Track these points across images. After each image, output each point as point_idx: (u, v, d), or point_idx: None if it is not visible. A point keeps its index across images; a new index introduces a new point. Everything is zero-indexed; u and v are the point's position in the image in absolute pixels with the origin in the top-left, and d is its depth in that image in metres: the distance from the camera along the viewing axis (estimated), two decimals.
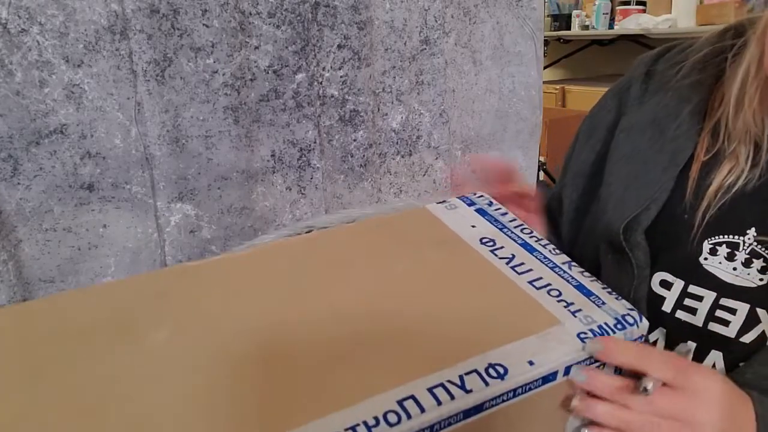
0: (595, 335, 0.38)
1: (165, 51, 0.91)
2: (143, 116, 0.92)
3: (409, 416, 0.31)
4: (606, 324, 0.40)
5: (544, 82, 1.41)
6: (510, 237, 0.50)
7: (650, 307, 0.54)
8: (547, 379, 0.36)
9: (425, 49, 1.17)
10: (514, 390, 0.35)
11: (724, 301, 0.50)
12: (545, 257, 0.47)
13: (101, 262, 0.94)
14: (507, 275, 0.44)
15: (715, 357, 0.51)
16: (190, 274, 0.44)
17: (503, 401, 0.35)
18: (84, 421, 0.31)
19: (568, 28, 3.30)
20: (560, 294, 0.42)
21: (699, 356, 0.51)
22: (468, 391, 0.33)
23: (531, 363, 0.35)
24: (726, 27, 0.56)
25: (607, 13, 3.06)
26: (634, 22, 2.78)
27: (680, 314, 0.52)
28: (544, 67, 1.57)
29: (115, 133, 0.90)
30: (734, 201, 0.50)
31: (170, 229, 0.98)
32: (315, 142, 1.07)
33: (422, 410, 0.32)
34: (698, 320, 0.51)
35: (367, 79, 1.11)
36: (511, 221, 0.53)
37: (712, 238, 0.51)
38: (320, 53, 1.06)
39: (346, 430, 0.30)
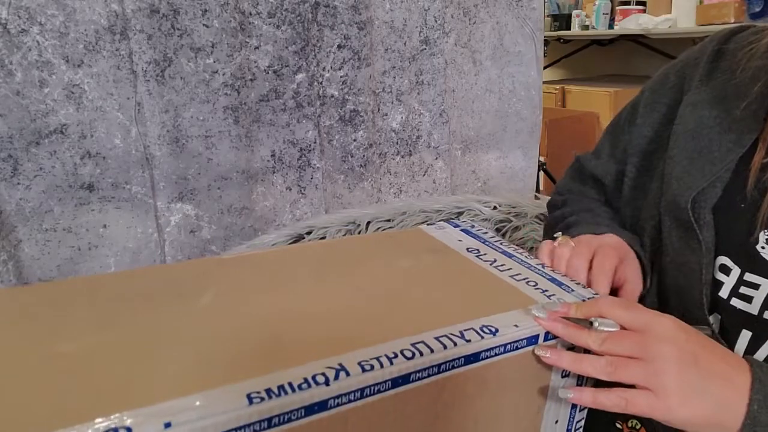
0: None
1: (165, 51, 0.91)
2: (143, 116, 0.92)
3: (421, 354, 0.39)
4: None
5: (544, 82, 1.41)
6: (492, 247, 0.60)
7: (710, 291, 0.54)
8: (530, 340, 0.44)
9: (425, 49, 1.17)
10: (504, 345, 0.43)
11: None
12: (523, 260, 0.56)
13: (101, 262, 0.94)
14: (491, 272, 0.53)
15: (746, 336, 0.50)
16: (226, 263, 0.55)
17: (495, 355, 0.43)
18: (137, 356, 0.38)
19: (568, 28, 3.30)
20: (537, 284, 0.51)
21: (754, 345, 0.51)
22: (467, 341, 0.41)
23: (516, 326, 0.44)
24: None
25: (607, 13, 3.06)
26: (634, 22, 2.78)
27: (735, 302, 0.52)
28: (544, 67, 1.57)
29: (115, 133, 0.90)
30: None
31: (170, 229, 0.98)
32: (315, 142, 1.07)
33: (431, 351, 0.39)
34: (754, 308, 0.50)
35: (367, 79, 1.11)
36: (491, 237, 0.63)
37: None
38: (320, 53, 1.06)
39: (371, 359, 0.38)
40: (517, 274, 0.52)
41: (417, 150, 1.22)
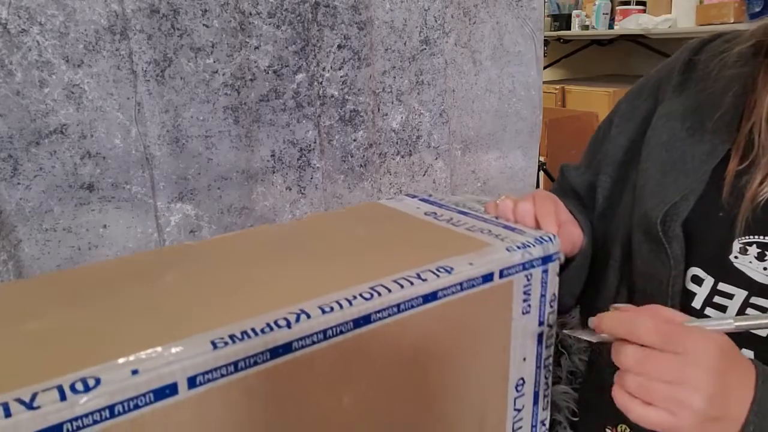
0: (518, 248, 0.49)
1: (165, 51, 0.91)
2: (143, 116, 0.92)
3: (379, 294, 0.41)
4: (527, 242, 0.50)
5: (544, 82, 1.41)
6: (448, 209, 0.62)
7: (680, 302, 0.54)
8: (486, 278, 0.46)
9: (425, 49, 1.17)
10: (461, 284, 0.44)
11: (754, 300, 0.50)
12: (478, 216, 0.58)
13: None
14: (448, 227, 0.56)
15: (747, 355, 0.50)
16: (190, 248, 0.56)
17: (453, 293, 0.44)
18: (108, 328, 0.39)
19: (568, 28, 3.30)
20: (490, 231, 0.53)
21: None
22: (424, 280, 0.43)
23: (471, 264, 0.45)
24: None
25: (607, 13, 3.06)
26: (633, 22, 2.78)
27: (709, 311, 0.52)
28: (544, 67, 1.57)
29: (115, 133, 0.90)
30: (766, 203, 0.50)
31: (170, 229, 0.98)
32: (315, 142, 1.07)
33: (389, 291, 0.41)
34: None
35: (367, 79, 1.11)
36: (448, 201, 0.65)
37: (743, 238, 0.51)
38: (320, 53, 1.06)
39: (331, 302, 0.39)
40: (472, 227, 0.55)
41: (417, 150, 1.22)
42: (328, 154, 1.10)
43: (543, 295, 0.50)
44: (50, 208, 0.88)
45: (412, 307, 0.42)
